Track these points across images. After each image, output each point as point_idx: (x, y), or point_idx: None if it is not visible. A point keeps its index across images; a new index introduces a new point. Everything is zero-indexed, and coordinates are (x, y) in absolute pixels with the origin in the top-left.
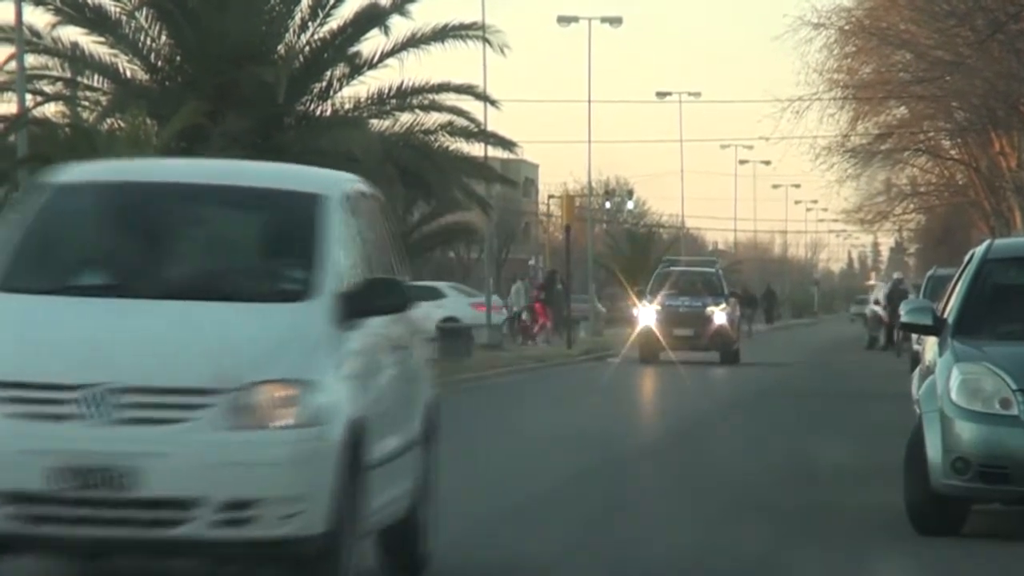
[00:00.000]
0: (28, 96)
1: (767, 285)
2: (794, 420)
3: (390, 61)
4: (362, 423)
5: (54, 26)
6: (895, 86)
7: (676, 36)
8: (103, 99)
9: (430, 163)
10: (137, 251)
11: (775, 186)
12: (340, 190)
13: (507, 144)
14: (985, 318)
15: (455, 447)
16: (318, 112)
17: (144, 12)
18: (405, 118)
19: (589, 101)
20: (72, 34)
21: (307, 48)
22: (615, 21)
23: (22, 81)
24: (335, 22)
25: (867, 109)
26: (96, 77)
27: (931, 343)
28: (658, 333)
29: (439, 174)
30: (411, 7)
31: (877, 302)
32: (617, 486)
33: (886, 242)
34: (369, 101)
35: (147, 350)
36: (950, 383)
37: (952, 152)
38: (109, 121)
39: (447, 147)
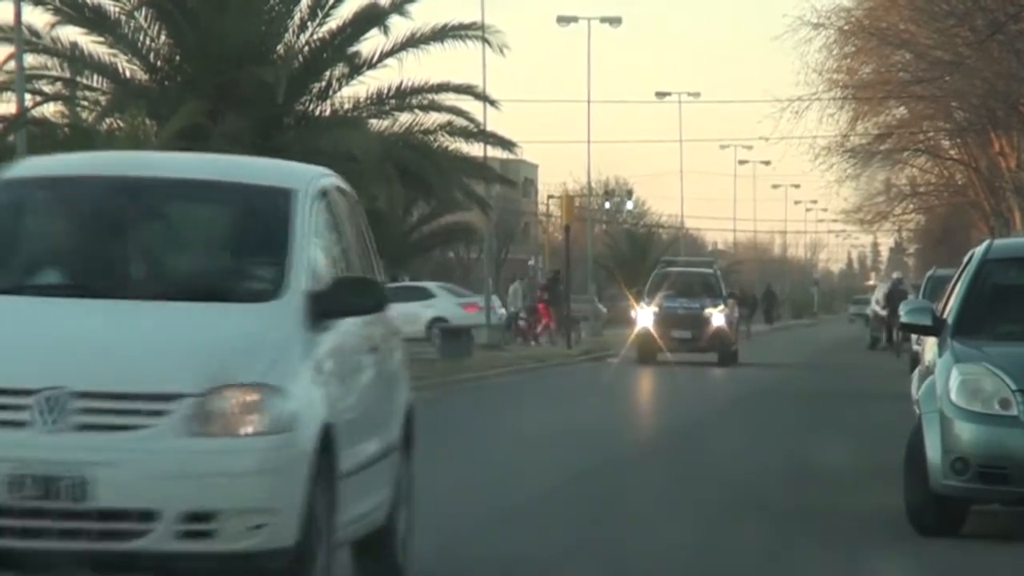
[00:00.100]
0: (27, 96)
1: (767, 285)
2: (794, 420)
3: (389, 61)
4: (334, 429)
5: (53, 26)
6: (895, 86)
7: (675, 36)
8: (102, 99)
9: (429, 163)
10: (95, 249)
11: (775, 186)
12: (311, 185)
13: (506, 144)
14: (985, 318)
15: (455, 447)
16: (317, 112)
17: (143, 12)
18: (404, 118)
19: (588, 101)
20: (71, 34)
21: (306, 48)
22: (614, 21)
23: (21, 81)
24: (334, 22)
25: (867, 109)
26: (95, 77)
27: (931, 343)
28: (656, 335)
29: (439, 174)
30: (410, 7)
31: (878, 302)
32: (617, 486)
33: (886, 242)
34: (368, 101)
35: (104, 353)
36: (950, 383)
37: (952, 152)
38: (108, 121)
39: (446, 147)
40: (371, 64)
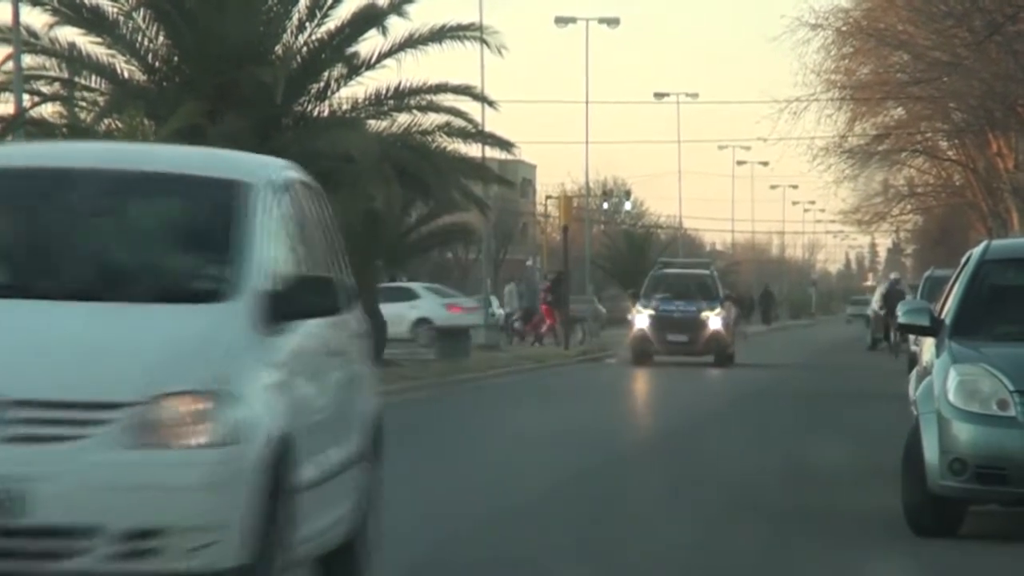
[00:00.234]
0: (25, 96)
1: (765, 286)
2: (792, 421)
3: (388, 62)
4: (288, 440)
5: (51, 26)
6: (893, 87)
7: (674, 37)
8: (100, 99)
9: (428, 164)
10: (30, 246)
11: (773, 187)
12: (267, 177)
13: (505, 145)
14: (982, 319)
15: (453, 447)
16: (316, 113)
17: (142, 12)
18: (403, 119)
19: (587, 102)
20: (69, 34)
21: (305, 49)
22: (613, 22)
23: (19, 81)
24: (333, 23)
25: (864, 110)
26: (93, 77)
27: (928, 344)
28: (652, 338)
29: (437, 175)
30: (409, 8)
31: (878, 302)
32: (615, 487)
33: (883, 243)
34: (367, 102)
35: (38, 359)
36: (947, 384)
37: (949, 153)
38: (106, 121)
39: (445, 148)
40: (369, 65)
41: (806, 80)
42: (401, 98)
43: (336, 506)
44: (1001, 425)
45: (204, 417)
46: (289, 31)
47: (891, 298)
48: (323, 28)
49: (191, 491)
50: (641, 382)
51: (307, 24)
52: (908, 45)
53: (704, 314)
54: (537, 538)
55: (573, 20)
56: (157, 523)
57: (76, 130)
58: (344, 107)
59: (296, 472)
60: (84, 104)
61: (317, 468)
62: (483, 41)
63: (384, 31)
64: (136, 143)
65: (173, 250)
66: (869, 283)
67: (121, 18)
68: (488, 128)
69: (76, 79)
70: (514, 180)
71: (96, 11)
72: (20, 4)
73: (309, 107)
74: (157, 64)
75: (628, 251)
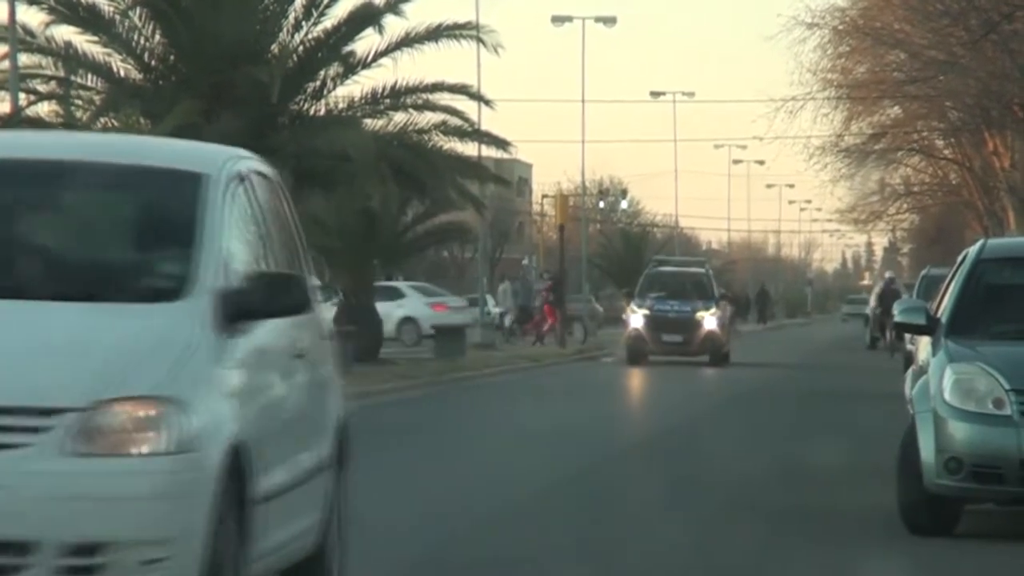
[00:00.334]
0: (21, 95)
1: (761, 285)
2: (788, 420)
3: (384, 60)
4: (248, 448)
5: (48, 25)
6: (889, 86)
7: (670, 36)
8: (97, 98)
9: (424, 162)
10: None
11: (769, 186)
12: (226, 168)
13: (501, 143)
14: (979, 318)
15: (451, 446)
16: (312, 111)
17: (138, 11)
18: (399, 117)
19: (583, 101)
20: (66, 33)
21: (301, 47)
22: (609, 21)
23: (15, 80)
24: (329, 21)
25: (861, 109)
26: (89, 76)
27: (924, 343)
28: (647, 338)
29: (433, 173)
30: (405, 6)
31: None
32: (613, 486)
33: (880, 242)
34: (363, 100)
35: None
36: (943, 383)
37: (946, 152)
38: (103, 120)
39: (441, 146)
40: (366, 63)
41: (802, 79)
42: (397, 97)
43: (300, 517)
44: (997, 424)
45: (155, 424)
46: (285, 30)
47: (886, 297)
48: (319, 27)
49: (140, 502)
50: (637, 381)
51: (303, 23)
52: (904, 44)
53: (699, 314)
54: (536, 538)
55: (569, 19)
56: (103, 536)
57: (72, 129)
58: (340, 106)
59: (256, 481)
60: (80, 103)
61: (279, 477)
62: (479, 40)
63: (380, 30)
64: (86, 132)
65: (124, 246)
66: (865, 282)
67: (117, 17)
68: (484, 127)
69: (72, 78)
70: (510, 179)
71: (92, 10)
72: (16, 2)
73: (305, 106)
74: (153, 63)
75: (624, 250)
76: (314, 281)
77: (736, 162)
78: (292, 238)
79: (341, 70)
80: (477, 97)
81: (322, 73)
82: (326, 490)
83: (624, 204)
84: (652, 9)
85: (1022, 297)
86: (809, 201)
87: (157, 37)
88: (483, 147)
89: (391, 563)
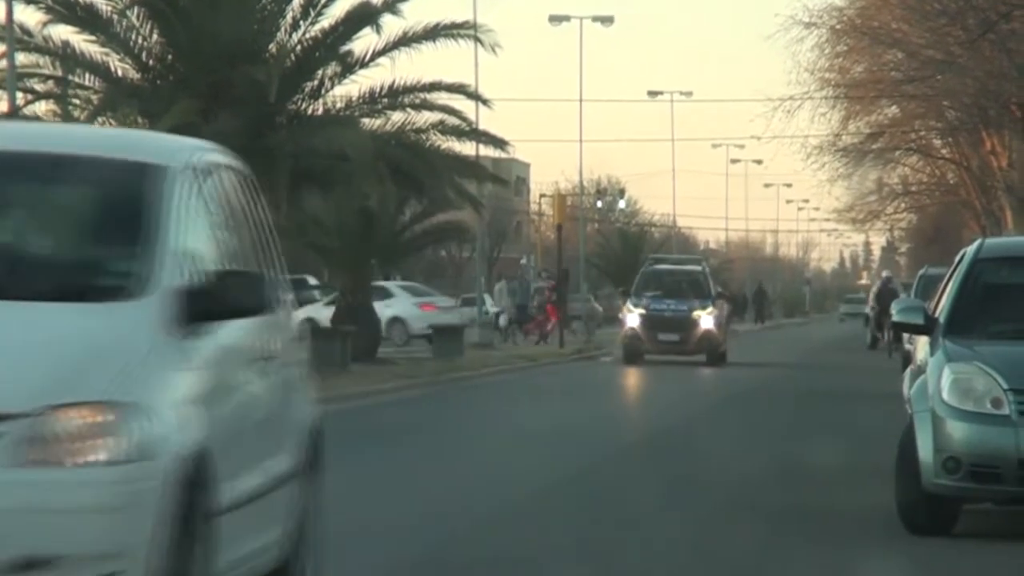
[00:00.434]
0: (19, 94)
1: (758, 284)
2: (786, 420)
3: (382, 60)
4: (205, 456)
5: (45, 24)
6: (886, 85)
7: (668, 35)
8: (94, 97)
9: (422, 162)
10: None
11: (767, 185)
12: (185, 159)
13: (499, 143)
14: (976, 317)
15: (451, 445)
16: (310, 111)
17: (135, 11)
18: (397, 117)
19: (581, 100)
20: (63, 32)
21: (299, 47)
22: (607, 20)
23: (13, 79)
24: (327, 21)
25: (858, 108)
26: (87, 75)
27: (922, 342)
28: (643, 338)
29: (431, 173)
30: (403, 6)
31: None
32: (612, 486)
33: (877, 241)
34: (361, 100)
35: None
36: (941, 383)
37: (943, 151)
38: (100, 119)
39: (439, 146)
40: (363, 63)
41: (800, 78)
42: (395, 96)
43: (265, 529)
44: (995, 423)
45: (104, 431)
46: (283, 29)
47: (883, 297)
48: (317, 26)
49: (88, 514)
50: (635, 381)
51: (301, 22)
52: (902, 43)
53: (696, 313)
54: (536, 538)
55: (567, 18)
56: (49, 550)
57: None
58: (338, 105)
59: (215, 492)
60: (78, 102)
61: (243, 485)
62: (477, 39)
63: (378, 29)
64: (44, 123)
65: (74, 241)
66: (863, 282)
67: (115, 16)
68: (482, 126)
69: (70, 77)
70: (508, 178)
71: (90, 9)
72: (14, 2)
73: (303, 105)
74: (151, 62)
75: (622, 249)
76: (284, 280)
77: (734, 161)
78: (261, 235)
79: (339, 70)
80: (475, 96)
81: (320, 73)
82: (295, 499)
83: (622, 203)
84: (650, 9)
85: (1020, 296)
86: (807, 200)
87: (155, 36)
88: (481, 146)
89: (391, 563)
